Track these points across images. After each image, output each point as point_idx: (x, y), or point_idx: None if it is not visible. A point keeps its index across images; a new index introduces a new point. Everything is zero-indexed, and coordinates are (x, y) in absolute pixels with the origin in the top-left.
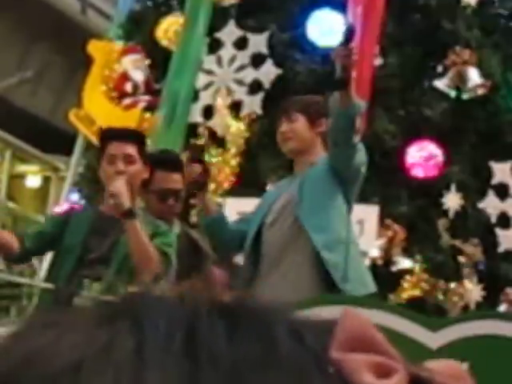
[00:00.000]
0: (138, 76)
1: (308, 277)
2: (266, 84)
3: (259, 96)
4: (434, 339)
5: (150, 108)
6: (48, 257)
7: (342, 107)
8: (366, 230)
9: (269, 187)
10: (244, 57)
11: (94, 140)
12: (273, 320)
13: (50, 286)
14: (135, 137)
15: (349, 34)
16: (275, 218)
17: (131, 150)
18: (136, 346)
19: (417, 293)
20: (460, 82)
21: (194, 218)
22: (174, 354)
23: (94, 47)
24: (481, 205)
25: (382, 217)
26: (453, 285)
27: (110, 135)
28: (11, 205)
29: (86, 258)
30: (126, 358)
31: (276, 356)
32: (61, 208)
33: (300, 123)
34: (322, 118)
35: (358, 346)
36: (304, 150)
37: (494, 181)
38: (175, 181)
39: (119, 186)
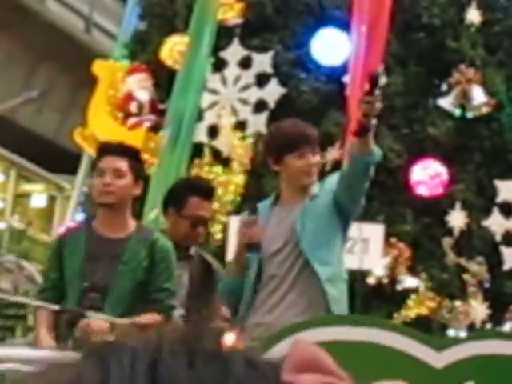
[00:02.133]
0: (143, 96)
1: (316, 308)
2: (271, 103)
3: (264, 115)
4: (438, 359)
5: (155, 128)
6: None
7: (360, 154)
8: (371, 248)
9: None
10: (248, 76)
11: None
12: (230, 353)
13: (55, 307)
14: (127, 152)
15: (374, 81)
16: (278, 248)
17: (121, 164)
18: (102, 378)
19: (422, 311)
20: (464, 100)
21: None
22: (137, 382)
23: (98, 67)
24: (485, 223)
25: (387, 235)
26: (458, 303)
27: (103, 150)
28: (17, 224)
29: (82, 288)
30: None
31: (232, 380)
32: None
33: (319, 157)
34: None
35: (307, 369)
36: (315, 181)
37: (499, 199)
38: (207, 209)
39: (100, 326)
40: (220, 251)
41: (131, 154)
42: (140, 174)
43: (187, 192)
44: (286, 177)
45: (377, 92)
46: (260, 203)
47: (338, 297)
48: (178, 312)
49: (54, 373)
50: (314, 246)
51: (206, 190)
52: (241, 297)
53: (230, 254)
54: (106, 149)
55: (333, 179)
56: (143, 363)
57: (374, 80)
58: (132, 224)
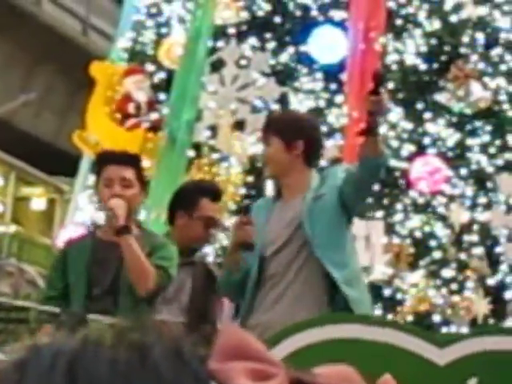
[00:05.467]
0: (141, 97)
1: (320, 298)
2: (269, 102)
3: (263, 114)
4: (441, 356)
5: (154, 128)
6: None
7: (370, 155)
8: (371, 245)
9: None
10: (246, 75)
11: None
12: (151, 343)
13: (57, 310)
14: (132, 160)
15: (378, 80)
16: (279, 246)
17: (128, 173)
18: (19, 377)
19: (423, 307)
20: (463, 95)
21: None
22: (55, 377)
23: (96, 69)
24: (487, 218)
25: (388, 232)
26: (460, 299)
27: (106, 159)
28: (16, 228)
29: (92, 293)
30: None
31: (154, 373)
32: (62, 238)
33: (274, 147)
34: (299, 140)
35: (235, 356)
36: (283, 174)
37: (500, 194)
38: (217, 211)
39: (117, 202)
40: (221, 252)
41: (136, 162)
42: (144, 182)
43: (198, 194)
44: None
45: (382, 90)
46: (257, 202)
47: (359, 297)
48: (179, 319)
49: None
50: (328, 249)
51: (215, 192)
52: (240, 292)
53: None
54: (110, 158)
55: (336, 174)
56: (64, 359)
57: (378, 78)
58: (135, 230)
